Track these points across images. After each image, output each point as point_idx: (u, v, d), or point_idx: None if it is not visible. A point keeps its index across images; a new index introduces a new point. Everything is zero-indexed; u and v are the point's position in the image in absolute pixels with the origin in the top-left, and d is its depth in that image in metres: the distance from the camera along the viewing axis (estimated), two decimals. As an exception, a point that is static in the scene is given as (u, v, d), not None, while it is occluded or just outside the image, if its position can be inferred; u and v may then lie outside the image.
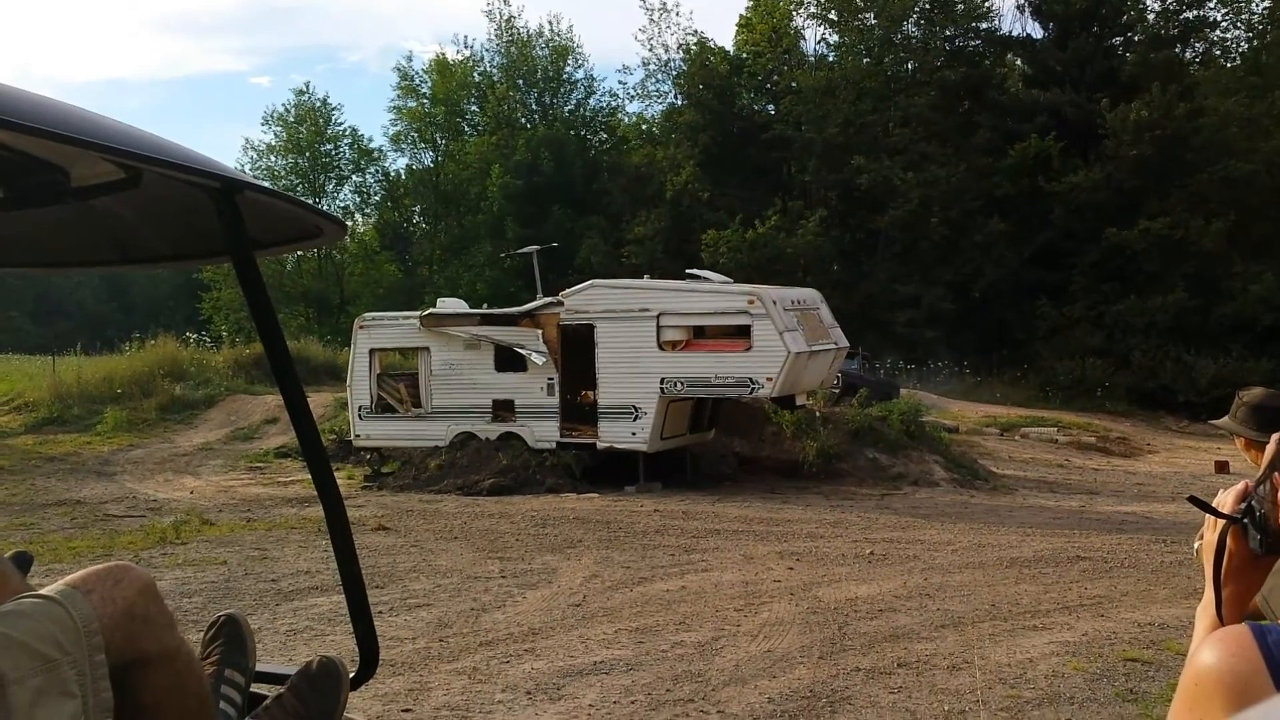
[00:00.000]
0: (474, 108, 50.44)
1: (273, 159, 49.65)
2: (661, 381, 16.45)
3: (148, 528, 12.97)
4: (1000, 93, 38.62)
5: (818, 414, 18.43)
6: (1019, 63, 40.79)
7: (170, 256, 2.79)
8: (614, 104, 50.03)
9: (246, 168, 48.76)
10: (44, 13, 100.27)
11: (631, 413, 16.61)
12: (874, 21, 39.90)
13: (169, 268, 2.88)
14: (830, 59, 41.59)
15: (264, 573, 10.45)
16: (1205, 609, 1.46)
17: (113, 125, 1.90)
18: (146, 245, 2.72)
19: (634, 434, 16.67)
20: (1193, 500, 1.50)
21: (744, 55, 42.64)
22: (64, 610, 1.77)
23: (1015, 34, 40.60)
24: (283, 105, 51.15)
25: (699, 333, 16.76)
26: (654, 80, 46.15)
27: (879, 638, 8.13)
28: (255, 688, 2.40)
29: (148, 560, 10.95)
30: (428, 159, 50.58)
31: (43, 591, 1.85)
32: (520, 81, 49.26)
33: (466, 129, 50.36)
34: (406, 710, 6.39)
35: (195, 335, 33.71)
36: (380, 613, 8.65)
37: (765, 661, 7.46)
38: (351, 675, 2.35)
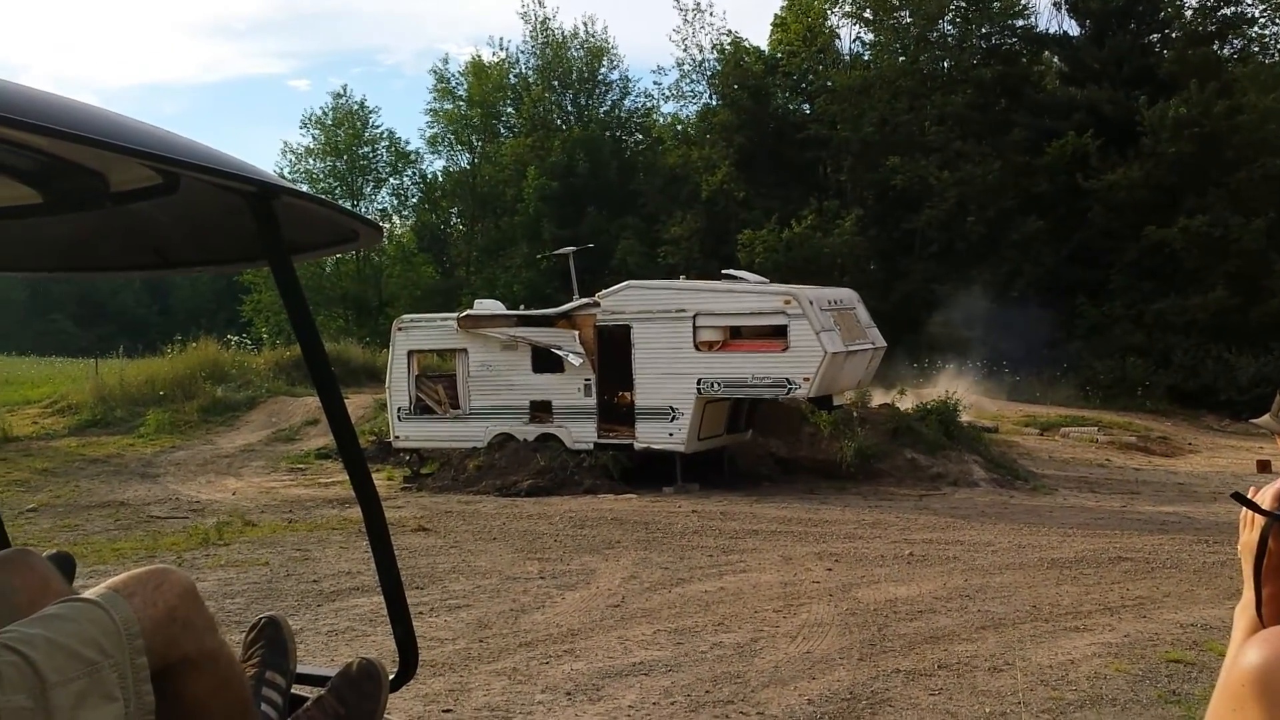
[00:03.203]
0: (510, 109, 50.52)
1: (311, 162, 49.97)
2: (698, 382, 16.43)
3: (190, 529, 13.09)
4: (1037, 90, 38.26)
5: (855, 414, 18.34)
6: (1056, 60, 40.36)
7: (208, 261, 2.82)
8: (649, 105, 49.94)
9: (285, 171, 49.15)
10: (86, 19, 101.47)
11: (669, 413, 16.59)
12: (909, 20, 39.62)
13: (207, 272, 2.91)
14: (865, 58, 41.36)
15: (305, 573, 10.52)
16: (1244, 609, 1.43)
17: (150, 131, 1.91)
18: (184, 250, 2.74)
19: (671, 435, 16.65)
20: (1236, 496, 1.47)
21: (779, 55, 42.47)
22: (106, 613, 1.78)
23: (1052, 31, 40.19)
24: (320, 108, 51.42)
25: (735, 333, 16.72)
26: (688, 81, 46.03)
27: (919, 639, 8.08)
28: (296, 689, 2.42)
29: (190, 561, 11.05)
30: (464, 161, 50.72)
31: (85, 595, 1.86)
32: (555, 83, 49.29)
33: (502, 131, 50.44)
34: (447, 711, 6.41)
35: (236, 337, 34.01)
36: (420, 613, 8.69)
37: (804, 663, 7.43)
38: (391, 677, 2.35)
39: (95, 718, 1.70)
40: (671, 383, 16.58)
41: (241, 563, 11.07)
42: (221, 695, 1.96)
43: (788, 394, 16.37)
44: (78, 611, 1.79)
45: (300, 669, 2.46)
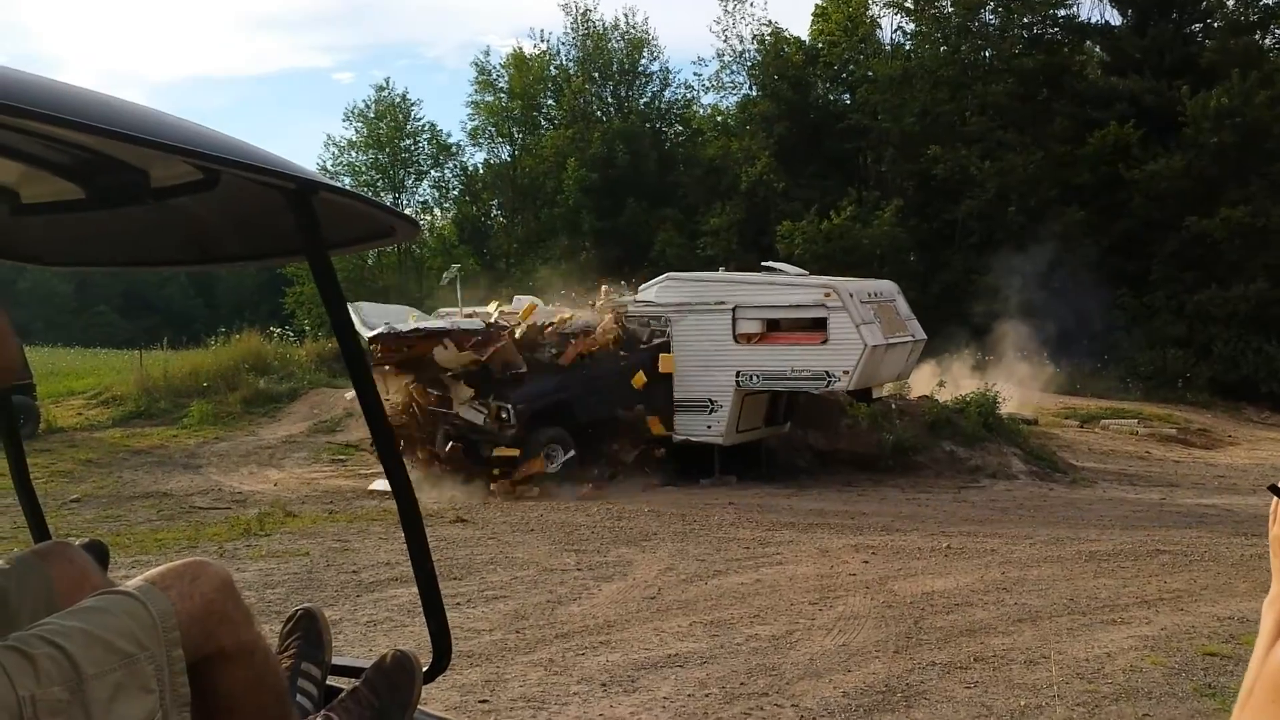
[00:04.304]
0: (550, 101, 50.60)
1: (353, 154, 50.28)
2: (737, 374, 16.40)
3: (232, 519, 13.22)
4: (1078, 80, 37.88)
5: (894, 406, 18.26)
6: (1097, 50, 39.97)
7: (248, 255, 2.85)
8: (689, 96, 49.90)
9: (328, 164, 49.51)
10: (134, 13, 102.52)
11: (707, 406, 16.58)
12: (951, 9, 39.32)
13: (247, 267, 2.94)
14: (906, 48, 41.11)
15: (345, 564, 10.60)
16: (1272, 603, 1.41)
17: (191, 128, 1.94)
18: (225, 244, 2.78)
19: (709, 427, 16.65)
20: (1273, 489, 1.45)
21: (819, 45, 42.29)
22: (142, 606, 1.81)
23: (1093, 21, 39.83)
24: (363, 101, 51.71)
25: (775, 325, 16.67)
26: (729, 72, 45.95)
27: (955, 632, 8.05)
28: (331, 680, 2.45)
29: (232, 552, 11.16)
30: (505, 153, 50.84)
31: (122, 587, 1.89)
32: (596, 74, 49.30)
33: (543, 123, 50.52)
34: (483, 701, 6.45)
35: (279, 330, 34.25)
36: (458, 604, 8.74)
37: (840, 655, 7.42)
38: (426, 668, 2.38)
39: (131, 710, 1.73)
40: (710, 375, 16.57)
41: (282, 553, 11.17)
42: (257, 688, 1.98)
43: (827, 387, 16.31)
44: (115, 604, 1.82)
45: (336, 660, 2.49)
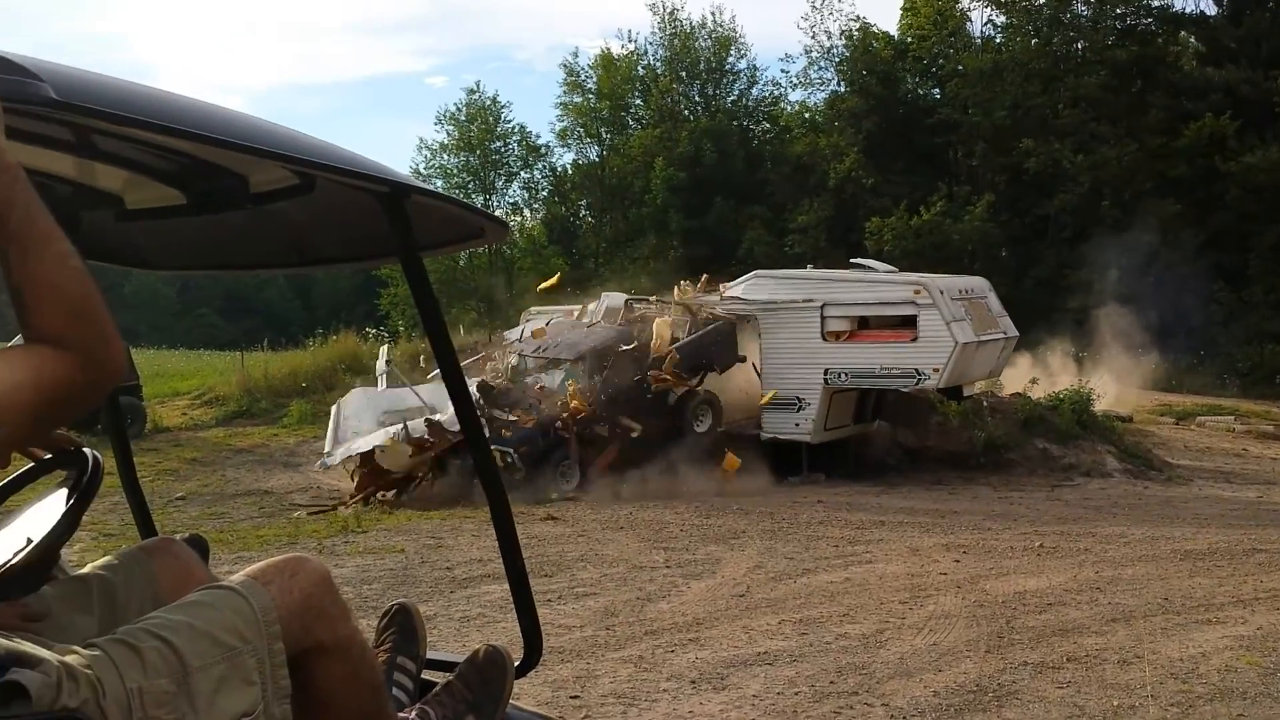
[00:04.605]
0: (638, 101, 50.71)
1: (445, 157, 50.89)
2: (825, 372, 16.30)
3: (330, 517, 13.44)
4: (1173, 71, 36.99)
5: (985, 404, 18.00)
6: (1192, 40, 38.97)
7: (343, 258, 2.91)
8: (776, 93, 49.68)
9: (420, 166, 50.16)
10: (228, 22, 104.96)
11: (795, 404, 16.50)
12: (1042, 1, 38.68)
13: (342, 268, 3.00)
14: (997, 41, 40.48)
15: (439, 560, 10.75)
16: None
17: (287, 133, 1.99)
18: (321, 247, 2.84)
19: (797, 425, 16.56)
20: None
21: (908, 40, 41.85)
22: (245, 601, 1.86)
23: (1188, 11, 38.83)
24: (455, 104, 52.37)
25: (864, 323, 16.55)
26: (816, 68, 45.61)
27: (1048, 632, 7.93)
28: (426, 675, 2.49)
29: (330, 548, 11.37)
30: (593, 153, 51.06)
31: (225, 582, 1.94)
32: (683, 73, 49.30)
33: (630, 123, 50.66)
34: (574, 697, 6.50)
35: (374, 330, 34.80)
36: (549, 601, 8.82)
37: (931, 655, 7.35)
38: (517, 663, 2.41)
39: (234, 702, 1.78)
40: (798, 373, 16.48)
41: (378, 550, 11.35)
42: (354, 681, 2.02)
43: (917, 384, 16.15)
44: (218, 599, 1.87)
45: (430, 655, 2.53)
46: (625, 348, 16.74)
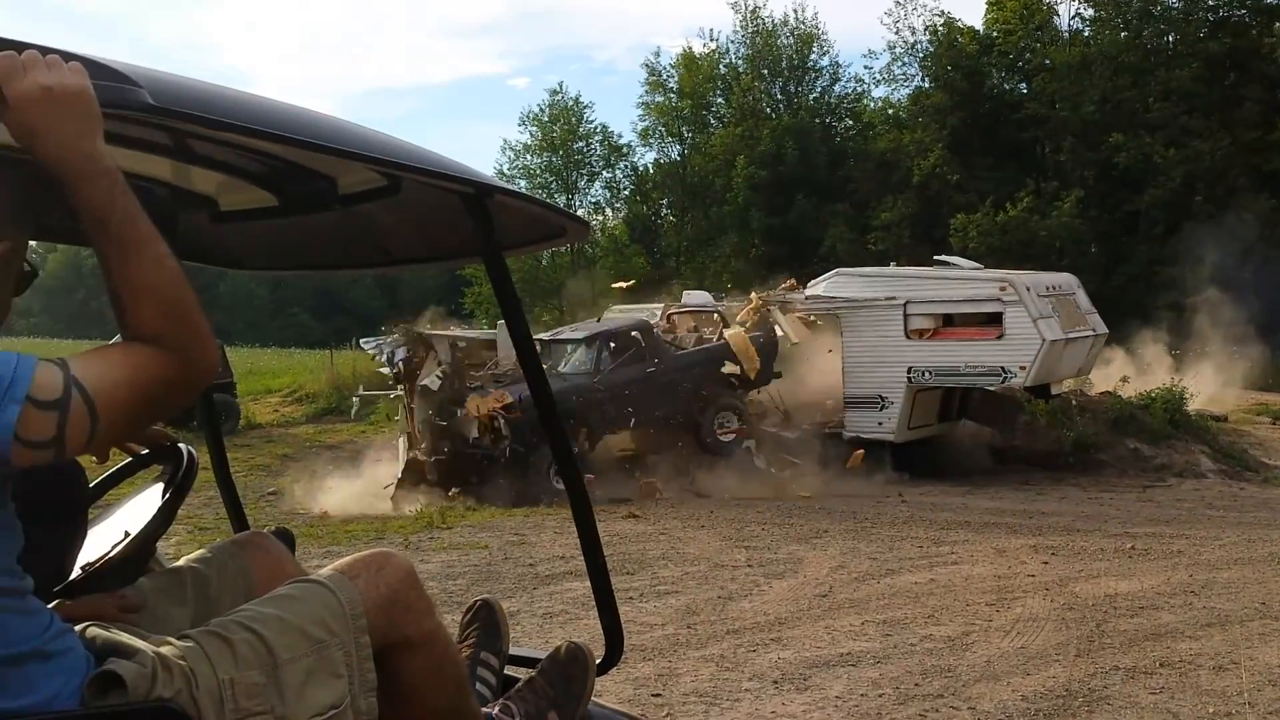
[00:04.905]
0: (719, 100, 50.66)
1: (528, 158, 51.32)
2: (909, 370, 16.14)
3: (417, 513, 13.59)
4: (1268, 63, 36.02)
5: (1074, 402, 17.69)
6: (1288, 32, 37.98)
7: (428, 257, 2.96)
8: (859, 90, 49.34)
9: (504, 167, 50.63)
10: (318, 29, 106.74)
11: (878, 402, 16.36)
12: (1131, -6, 38.01)
13: (427, 268, 3.05)
14: (1085, 34, 39.81)
15: (522, 557, 10.83)
16: None
17: (375, 136, 2.03)
18: (407, 247, 2.89)
19: (880, 424, 16.42)
20: None
21: (994, 34, 41.29)
22: (333, 595, 1.90)
23: (1283, 1, 37.85)
24: (537, 105, 52.85)
25: (948, 320, 16.35)
26: (900, 64, 45.21)
27: (1140, 636, 7.76)
28: (508, 670, 2.51)
29: (415, 544, 11.52)
30: (674, 152, 51.12)
31: (313, 576, 1.98)
32: (765, 71, 49.14)
33: (712, 121, 50.62)
34: (656, 695, 6.50)
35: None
36: (630, 599, 8.84)
37: (1018, 658, 7.23)
38: (599, 660, 2.42)
39: (322, 694, 1.81)
40: (881, 371, 16.34)
41: (463, 545, 11.47)
42: (439, 676, 2.05)
43: (1003, 383, 15.94)
44: (307, 592, 1.91)
45: (513, 650, 2.56)
46: (635, 333, 16.37)
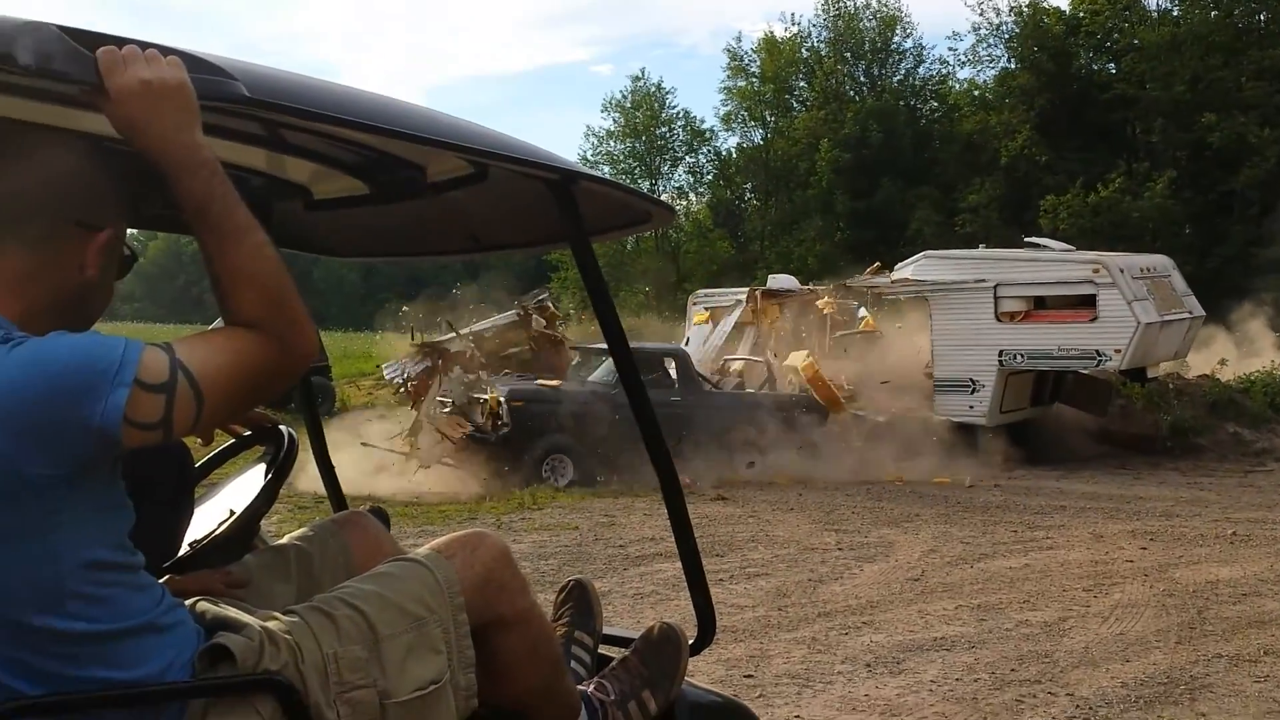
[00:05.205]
0: (802, 83, 50.35)
1: (611, 144, 51.52)
2: (1000, 354, 15.90)
3: (508, 494, 13.69)
4: (1363, 41, 34.95)
5: (1171, 386, 17.29)
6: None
7: (515, 243, 3.00)
8: (944, 71, 48.68)
9: (588, 154, 50.88)
10: (406, 21, 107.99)
11: (969, 385, 16.14)
12: (1223, -29, 37.00)
13: (514, 254, 3.08)
14: (1174, 14, 38.83)
15: (612, 538, 10.89)
16: None
17: (462, 125, 2.06)
18: (495, 233, 2.92)
19: (971, 407, 16.20)
20: None
21: (1081, 14, 40.47)
22: (430, 573, 1.94)
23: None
24: (620, 92, 52.96)
25: (1040, 303, 16.08)
26: (985, 45, 44.51)
27: (1243, 623, 7.58)
28: (602, 650, 2.54)
29: (507, 524, 11.63)
30: (757, 137, 50.91)
31: (412, 555, 2.03)
32: (848, 54, 48.74)
33: (795, 105, 50.34)
34: (748, 676, 6.51)
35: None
36: (720, 580, 8.84)
37: (1117, 644, 7.11)
38: (691, 641, 2.44)
39: (422, 670, 1.85)
40: (971, 354, 16.12)
41: (554, 526, 11.56)
42: (534, 654, 2.08)
43: (1097, 366, 15.64)
44: (406, 571, 1.96)
45: (606, 630, 2.57)
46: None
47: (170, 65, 1.57)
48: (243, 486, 2.49)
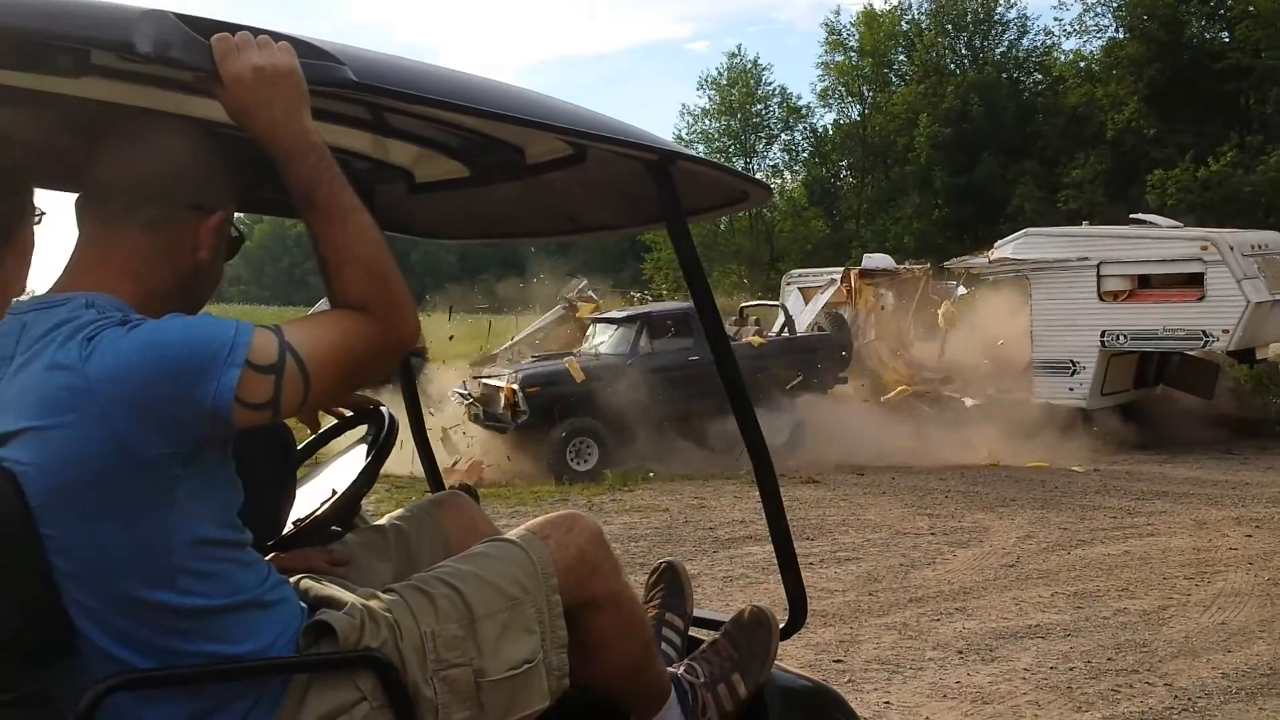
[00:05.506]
0: (901, 57, 49.65)
1: (707, 122, 51.33)
2: (1102, 334, 15.54)
3: (599, 475, 13.76)
4: None
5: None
6: None
7: (612, 224, 2.99)
8: (1049, 42, 47.69)
9: (682, 132, 50.78)
10: (508, 2, 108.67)
11: (1069, 367, 15.82)
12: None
13: (612, 235, 3.09)
14: (1294, -21, 37.48)
15: (702, 520, 10.91)
16: None
17: (560, 106, 2.07)
18: (592, 214, 2.93)
19: (1071, 389, 15.87)
20: None
21: (1193, -19, 39.33)
22: (525, 554, 1.96)
23: None
24: (716, 69, 52.74)
25: (1144, 282, 15.68)
26: (1092, 14, 43.47)
27: (1354, 616, 7.36)
28: (692, 632, 2.55)
29: (599, 506, 11.72)
30: (854, 112, 50.37)
31: (507, 536, 2.05)
32: (949, 26, 47.89)
33: (894, 79, 49.65)
34: (838, 661, 6.49)
35: (638, 294, 35.48)
36: (811, 564, 8.82)
37: (1219, 634, 6.94)
38: (781, 625, 2.43)
39: (516, 649, 1.88)
40: (1072, 335, 15.78)
41: (644, 508, 11.62)
42: (626, 634, 2.10)
43: (1204, 347, 15.21)
44: (501, 551, 1.98)
45: (696, 613, 2.58)
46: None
47: (281, 51, 1.59)
48: (344, 467, 2.55)
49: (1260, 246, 15.75)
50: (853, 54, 49.75)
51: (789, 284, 19.76)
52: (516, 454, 14.40)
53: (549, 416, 14.00)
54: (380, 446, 2.48)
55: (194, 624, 1.62)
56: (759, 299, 29.74)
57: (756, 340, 15.86)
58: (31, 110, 1.81)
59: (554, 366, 14.74)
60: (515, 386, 13.81)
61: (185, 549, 1.59)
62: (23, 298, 1.82)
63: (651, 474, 13.67)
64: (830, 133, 51.46)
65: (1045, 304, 16.09)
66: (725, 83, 50.61)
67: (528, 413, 13.84)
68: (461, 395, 15.15)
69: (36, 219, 1.88)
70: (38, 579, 1.55)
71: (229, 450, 1.66)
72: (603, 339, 15.85)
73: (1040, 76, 47.09)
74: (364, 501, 2.56)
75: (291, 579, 1.86)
